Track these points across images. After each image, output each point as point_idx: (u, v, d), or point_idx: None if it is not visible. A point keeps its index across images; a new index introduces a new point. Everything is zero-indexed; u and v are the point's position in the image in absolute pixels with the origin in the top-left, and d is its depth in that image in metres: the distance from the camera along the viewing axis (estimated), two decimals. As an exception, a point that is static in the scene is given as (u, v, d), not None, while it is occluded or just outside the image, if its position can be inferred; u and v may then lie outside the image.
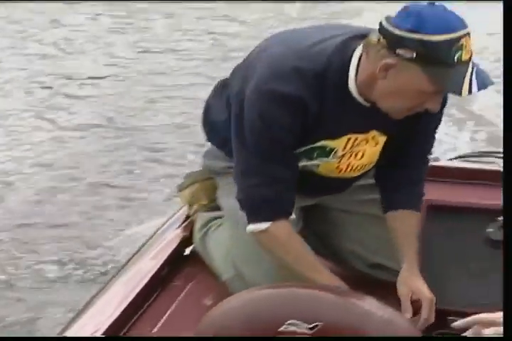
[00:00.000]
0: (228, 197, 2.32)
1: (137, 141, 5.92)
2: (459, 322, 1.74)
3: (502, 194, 1.53)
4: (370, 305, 1.80)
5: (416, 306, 2.17)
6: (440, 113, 2.21)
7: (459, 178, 2.86)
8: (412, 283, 2.15)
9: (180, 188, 2.55)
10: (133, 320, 2.29)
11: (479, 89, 1.94)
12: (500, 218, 2.24)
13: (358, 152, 2.21)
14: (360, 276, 2.46)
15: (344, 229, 2.41)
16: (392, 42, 1.94)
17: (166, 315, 2.34)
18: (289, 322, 1.79)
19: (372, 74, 2.01)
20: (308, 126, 2.08)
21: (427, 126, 2.26)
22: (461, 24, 1.95)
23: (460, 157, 3.24)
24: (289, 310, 1.80)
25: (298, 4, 9.07)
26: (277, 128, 2.05)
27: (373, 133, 2.20)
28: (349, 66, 2.05)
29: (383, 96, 2.04)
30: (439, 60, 1.92)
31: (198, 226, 2.49)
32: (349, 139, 2.17)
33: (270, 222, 2.10)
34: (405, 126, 2.19)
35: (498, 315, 1.71)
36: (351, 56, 2.05)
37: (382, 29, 1.97)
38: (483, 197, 2.50)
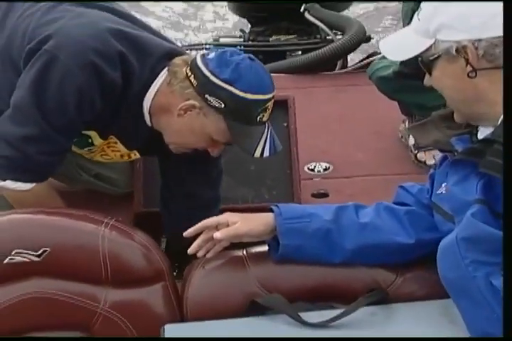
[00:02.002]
0: None
1: None
2: (190, 230, 1.75)
3: (502, 193, 1.51)
4: (92, 221, 1.77)
5: None
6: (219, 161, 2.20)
7: None
8: None
9: None
10: None
11: (271, 153, 1.95)
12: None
13: (107, 154, 2.18)
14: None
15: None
16: (203, 86, 1.89)
17: None
18: (14, 252, 1.71)
19: (169, 106, 1.95)
20: (101, 114, 1.98)
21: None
22: (271, 87, 1.93)
23: None
24: (12, 240, 1.73)
25: None
26: (88, 108, 1.94)
27: (134, 152, 2.18)
28: (152, 83, 1.97)
29: (171, 129, 1.99)
30: (244, 117, 1.90)
31: None
32: (111, 139, 2.12)
33: (35, 183, 2.03)
34: (173, 160, 2.16)
35: (223, 216, 1.75)
36: (158, 73, 1.96)
37: (195, 68, 1.90)
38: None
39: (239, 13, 3.84)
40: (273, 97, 1.92)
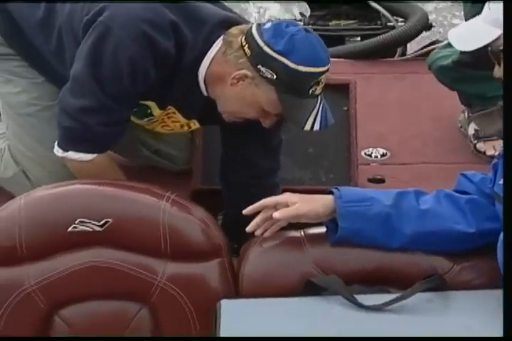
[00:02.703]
0: (7, 86, 2.25)
1: None
2: (249, 208, 1.76)
3: (502, 193, 1.52)
4: (154, 195, 1.79)
5: None
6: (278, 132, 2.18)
7: None
8: None
9: None
10: None
11: (321, 127, 1.93)
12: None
13: (168, 125, 2.20)
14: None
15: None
16: (257, 56, 1.88)
17: None
18: (77, 221, 1.75)
19: (223, 75, 1.94)
20: (156, 84, 2.00)
21: (265, 141, 2.19)
22: (326, 60, 1.91)
23: None
24: (76, 209, 1.77)
25: None
26: (142, 78, 1.96)
27: (193, 121, 2.19)
28: (207, 52, 1.97)
29: (224, 98, 1.99)
30: (296, 89, 1.89)
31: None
32: (169, 109, 2.13)
33: (96, 154, 2.06)
34: (226, 128, 2.17)
35: (283, 196, 1.76)
36: (213, 42, 1.96)
37: (250, 38, 1.89)
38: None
39: (299, -5, 3.83)
40: (327, 70, 1.91)
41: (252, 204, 1.80)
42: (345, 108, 2.49)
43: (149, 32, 1.90)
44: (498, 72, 1.60)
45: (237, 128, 2.08)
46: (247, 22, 2.04)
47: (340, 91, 2.50)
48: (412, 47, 3.53)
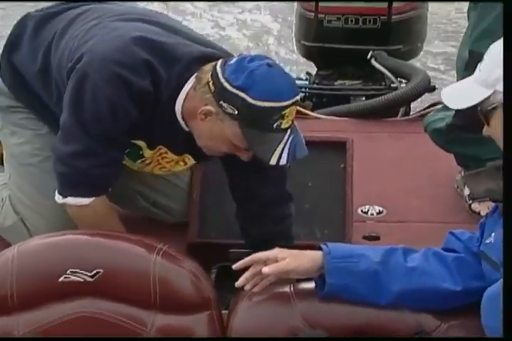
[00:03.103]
0: (12, 138, 2.33)
1: None
2: (238, 263, 1.79)
3: (502, 193, 1.56)
4: (145, 247, 1.82)
5: None
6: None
7: None
8: None
9: None
10: None
11: (288, 161, 1.96)
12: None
13: (163, 166, 2.25)
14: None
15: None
16: (219, 92, 1.93)
17: None
18: (69, 271, 1.77)
19: (195, 111, 2.00)
20: (138, 122, 2.06)
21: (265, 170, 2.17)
22: (288, 95, 1.93)
23: None
24: (68, 259, 1.79)
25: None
26: (125, 119, 2.04)
27: (186, 156, 2.24)
28: (182, 88, 2.03)
29: (198, 133, 2.05)
30: (258, 124, 1.92)
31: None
32: (160, 149, 2.19)
33: (94, 198, 2.12)
34: (225, 160, 2.20)
35: (272, 251, 1.78)
36: (188, 79, 2.02)
37: (214, 74, 1.94)
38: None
39: (307, 56, 3.91)
40: (292, 104, 1.93)
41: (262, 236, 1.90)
42: (342, 165, 2.53)
43: (122, 73, 1.97)
44: (486, 131, 1.63)
45: (235, 159, 2.09)
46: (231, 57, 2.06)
47: (338, 148, 2.54)
48: (416, 107, 3.60)
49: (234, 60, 1.94)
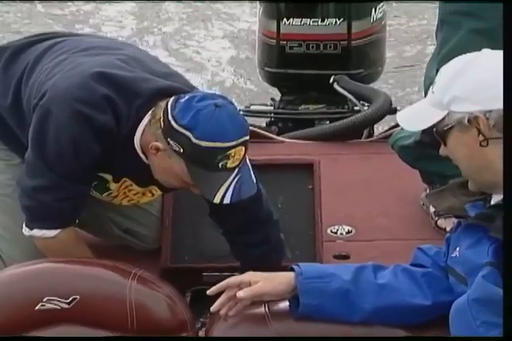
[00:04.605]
0: None
1: None
2: (213, 289, 1.81)
3: (502, 193, 1.60)
4: (120, 272, 1.84)
5: None
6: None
7: None
8: None
9: None
10: None
11: (232, 199, 1.99)
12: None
13: (131, 198, 2.28)
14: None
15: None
16: (167, 130, 1.97)
17: None
18: (45, 299, 1.78)
19: (148, 145, 2.04)
20: (102, 157, 2.10)
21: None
22: (236, 134, 1.96)
23: None
24: (44, 287, 1.81)
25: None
26: (88, 156, 2.07)
27: (152, 187, 2.27)
28: (141, 122, 2.06)
29: (153, 167, 2.09)
30: (202, 163, 1.96)
31: None
32: (124, 182, 2.22)
33: (59, 230, 2.15)
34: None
35: (245, 275, 1.81)
36: (146, 113, 2.05)
37: (165, 111, 1.98)
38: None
39: (270, 81, 3.97)
40: (239, 144, 1.96)
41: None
42: (310, 186, 2.57)
43: (83, 110, 2.02)
44: (443, 150, 1.69)
45: None
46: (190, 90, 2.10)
47: (305, 170, 2.59)
48: (379, 129, 3.66)
49: (185, 98, 1.98)
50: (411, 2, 5.83)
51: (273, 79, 3.88)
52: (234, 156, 1.96)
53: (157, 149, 2.01)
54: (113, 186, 2.21)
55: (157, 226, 2.51)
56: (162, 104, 2.01)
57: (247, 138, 2.00)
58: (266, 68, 3.81)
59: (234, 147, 1.96)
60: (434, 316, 1.76)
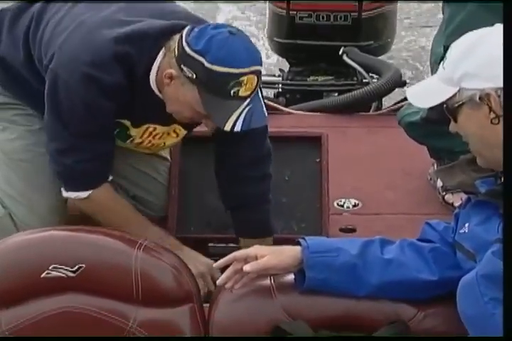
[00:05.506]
0: (3, 134, 2.33)
1: None
2: (219, 262, 1.81)
3: (502, 193, 1.58)
4: (127, 242, 1.84)
5: None
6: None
7: None
8: None
9: None
10: None
11: (243, 127, 1.98)
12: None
13: (157, 141, 2.28)
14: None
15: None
16: (180, 56, 1.98)
17: None
18: (51, 267, 1.78)
19: (162, 75, 2.05)
20: (121, 108, 2.11)
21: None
22: (249, 61, 1.96)
23: None
24: (50, 255, 1.81)
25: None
26: (101, 115, 2.08)
27: (175, 126, 2.26)
28: (153, 63, 2.06)
29: (166, 99, 2.09)
30: (215, 89, 1.95)
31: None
32: (147, 128, 2.22)
33: (91, 190, 2.17)
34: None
35: (252, 249, 1.80)
36: (157, 54, 2.06)
37: (180, 39, 1.99)
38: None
39: (279, 53, 3.94)
40: (252, 72, 1.95)
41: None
42: (318, 159, 2.56)
43: (92, 73, 2.02)
44: (453, 127, 1.67)
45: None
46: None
47: (313, 143, 2.58)
48: (388, 102, 3.64)
49: (200, 27, 1.98)
50: (411, 2, 5.77)
51: (282, 50, 3.86)
52: (246, 84, 1.96)
53: (170, 77, 2.01)
54: (134, 132, 2.22)
55: (164, 195, 2.51)
56: (176, 37, 2.02)
57: (260, 68, 1.99)
58: (275, 39, 3.78)
59: (246, 74, 1.95)
60: (441, 292, 1.76)
